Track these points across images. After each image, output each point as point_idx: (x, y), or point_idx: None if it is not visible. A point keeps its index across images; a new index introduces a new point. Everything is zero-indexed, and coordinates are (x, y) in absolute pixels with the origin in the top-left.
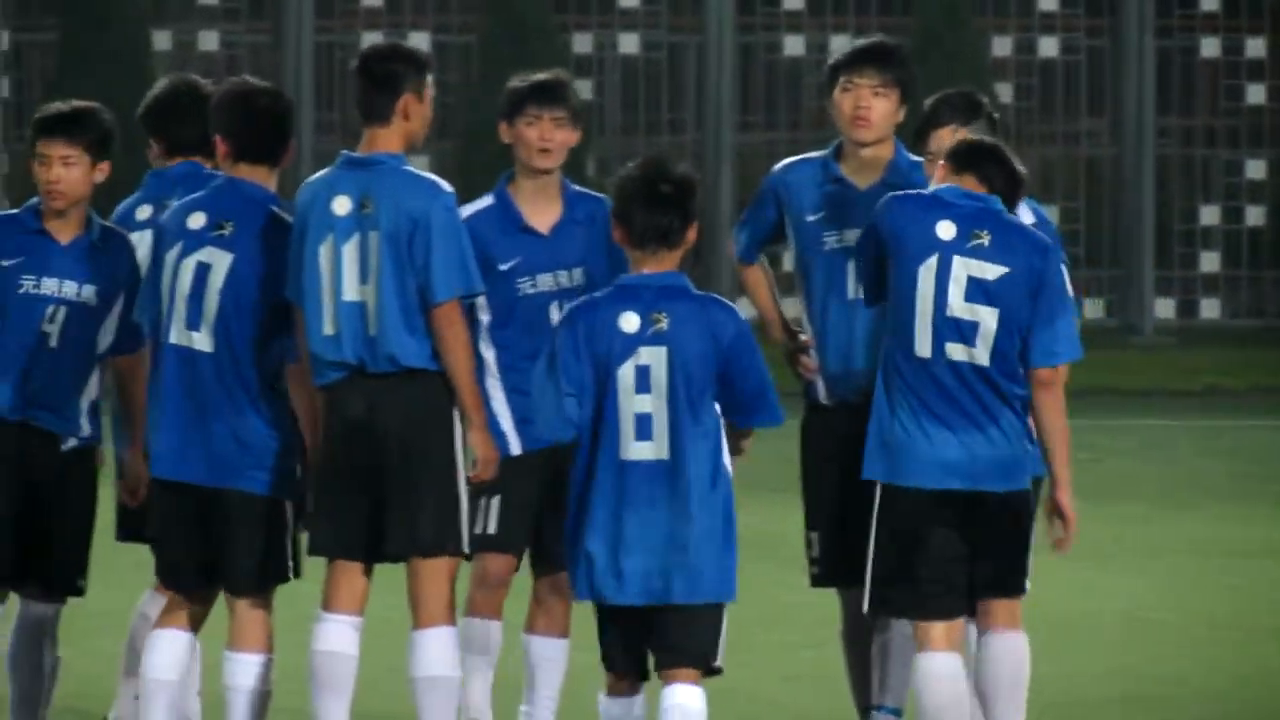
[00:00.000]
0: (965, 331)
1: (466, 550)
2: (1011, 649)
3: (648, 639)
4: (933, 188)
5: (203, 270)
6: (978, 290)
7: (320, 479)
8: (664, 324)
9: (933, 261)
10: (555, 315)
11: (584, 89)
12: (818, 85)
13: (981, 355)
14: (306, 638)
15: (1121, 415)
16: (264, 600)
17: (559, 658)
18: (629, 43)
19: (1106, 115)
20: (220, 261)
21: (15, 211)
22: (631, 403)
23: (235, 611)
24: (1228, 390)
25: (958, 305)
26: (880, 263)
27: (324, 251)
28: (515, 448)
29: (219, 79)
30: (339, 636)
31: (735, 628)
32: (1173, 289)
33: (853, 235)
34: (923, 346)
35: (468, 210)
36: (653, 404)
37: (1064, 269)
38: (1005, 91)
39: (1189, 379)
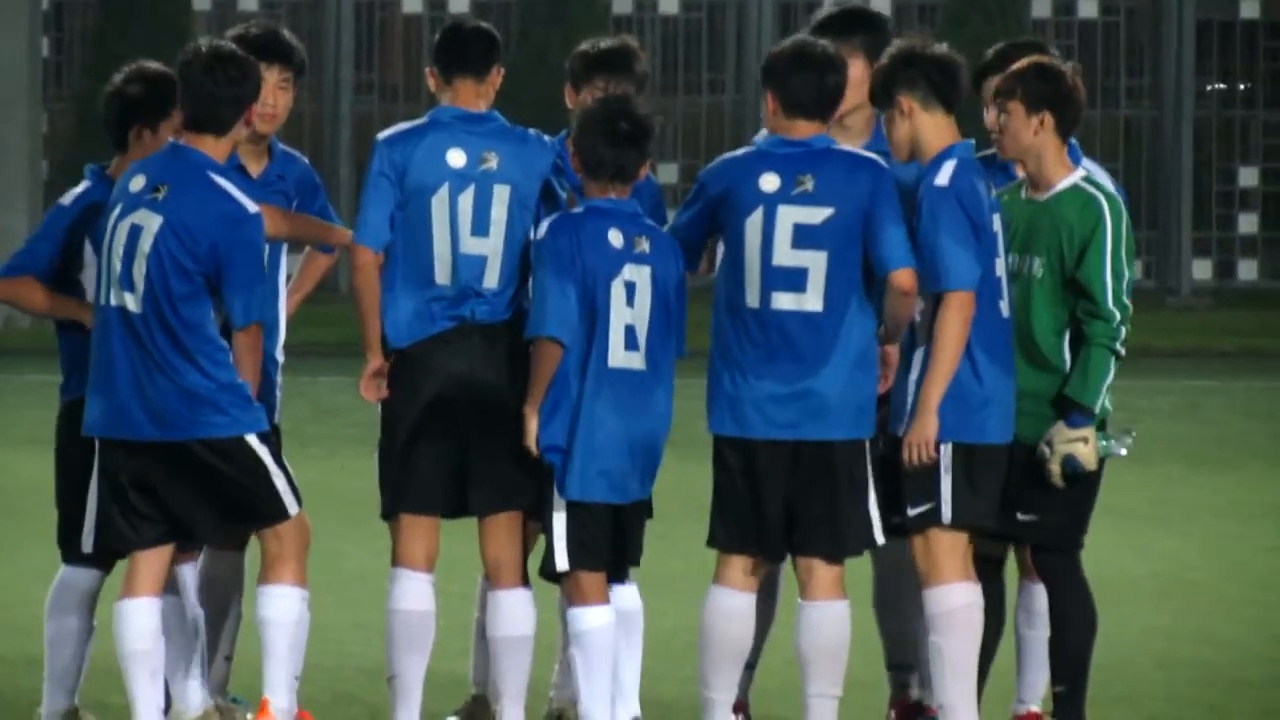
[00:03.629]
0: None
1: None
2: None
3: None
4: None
5: (135, 232)
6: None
7: (404, 434)
8: (645, 246)
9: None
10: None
11: None
12: None
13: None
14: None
15: (1159, 376)
16: (282, 534)
17: None
18: (668, 3)
19: (1145, 77)
20: (150, 224)
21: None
22: (622, 315)
23: (266, 549)
24: (1265, 351)
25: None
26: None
27: (435, 204)
28: None
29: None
30: (420, 594)
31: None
32: (1210, 250)
33: None
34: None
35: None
36: (634, 316)
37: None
38: None
39: (1226, 340)
